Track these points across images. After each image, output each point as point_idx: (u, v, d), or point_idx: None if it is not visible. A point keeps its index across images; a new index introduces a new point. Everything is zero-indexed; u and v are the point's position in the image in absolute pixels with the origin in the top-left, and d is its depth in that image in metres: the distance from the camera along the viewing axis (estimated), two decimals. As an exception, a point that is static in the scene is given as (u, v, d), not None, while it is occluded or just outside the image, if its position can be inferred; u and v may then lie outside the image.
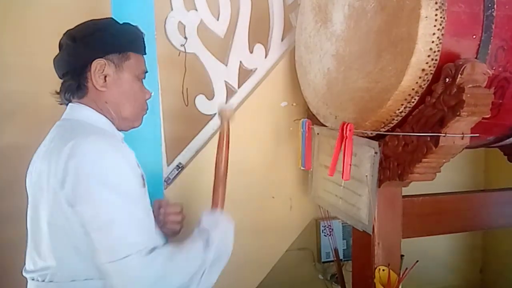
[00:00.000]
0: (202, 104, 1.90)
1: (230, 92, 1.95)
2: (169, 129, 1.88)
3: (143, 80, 1.31)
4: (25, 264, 1.21)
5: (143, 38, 1.29)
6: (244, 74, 1.98)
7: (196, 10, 1.86)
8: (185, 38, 1.84)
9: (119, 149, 1.13)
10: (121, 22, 1.26)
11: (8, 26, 1.96)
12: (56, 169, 1.06)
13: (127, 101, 1.24)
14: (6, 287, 1.93)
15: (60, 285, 1.12)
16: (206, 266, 1.19)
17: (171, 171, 1.85)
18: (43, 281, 1.13)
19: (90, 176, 1.05)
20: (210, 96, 1.92)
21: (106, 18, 1.26)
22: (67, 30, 1.21)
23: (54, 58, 1.22)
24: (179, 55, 1.85)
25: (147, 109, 1.33)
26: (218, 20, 1.91)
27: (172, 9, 1.82)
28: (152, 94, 1.34)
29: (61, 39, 1.22)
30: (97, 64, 1.17)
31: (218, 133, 1.45)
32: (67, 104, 1.24)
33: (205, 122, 1.93)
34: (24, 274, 1.20)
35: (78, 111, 1.21)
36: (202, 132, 1.93)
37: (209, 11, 1.89)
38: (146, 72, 1.30)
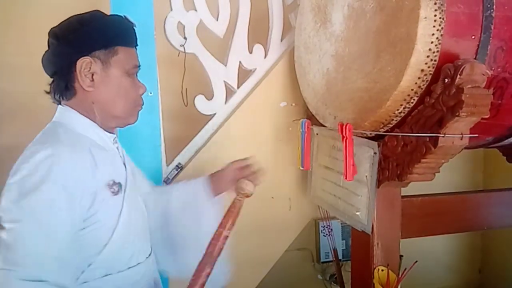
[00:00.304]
0: (201, 104, 1.90)
1: (229, 92, 1.96)
2: (169, 129, 1.88)
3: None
4: None
5: (134, 29, 1.23)
6: (243, 74, 1.98)
7: (196, 10, 1.86)
8: (185, 38, 1.84)
9: (76, 166, 1.08)
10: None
11: (8, 26, 1.96)
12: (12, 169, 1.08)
13: (117, 99, 1.19)
14: None
15: None
16: None
17: (171, 171, 1.85)
18: None
19: (20, 187, 1.03)
20: (210, 96, 1.92)
21: (92, 11, 1.19)
22: (52, 28, 1.17)
23: (42, 58, 1.19)
24: (178, 55, 1.85)
25: (143, 104, 1.27)
26: (217, 20, 1.91)
27: (171, 9, 1.82)
28: (147, 90, 1.27)
29: (48, 37, 1.18)
30: (83, 63, 1.13)
31: (230, 206, 1.32)
32: (58, 104, 1.22)
33: (205, 122, 1.93)
34: None
35: (63, 114, 1.19)
36: (201, 132, 1.93)
37: (209, 12, 1.89)
38: (139, 66, 1.25)
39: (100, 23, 1.17)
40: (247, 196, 1.32)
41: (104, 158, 1.17)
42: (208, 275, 1.19)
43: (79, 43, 1.14)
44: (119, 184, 1.19)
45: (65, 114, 1.19)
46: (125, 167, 1.27)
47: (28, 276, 0.98)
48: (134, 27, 1.24)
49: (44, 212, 1.02)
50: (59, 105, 1.21)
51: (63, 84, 1.16)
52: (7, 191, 1.05)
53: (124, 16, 1.23)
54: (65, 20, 1.18)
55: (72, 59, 1.13)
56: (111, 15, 1.22)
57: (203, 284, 1.19)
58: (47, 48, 1.20)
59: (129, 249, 1.21)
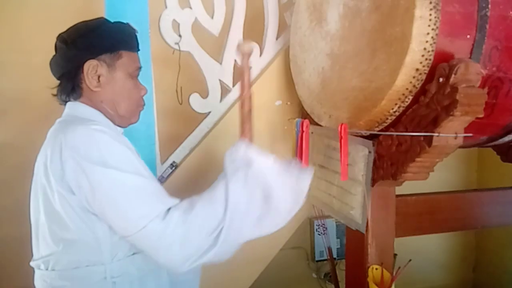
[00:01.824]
0: (196, 102, 1.90)
1: (224, 90, 1.95)
2: (163, 128, 1.88)
3: (139, 77, 1.32)
4: (32, 255, 1.25)
5: (136, 35, 1.30)
6: (238, 72, 1.97)
7: (191, 8, 1.86)
8: (179, 36, 1.84)
9: (113, 133, 1.14)
10: (112, 21, 1.27)
11: (2, 24, 1.94)
12: (53, 161, 1.10)
13: (121, 100, 1.26)
14: (7, 281, 1.92)
15: (62, 273, 1.15)
16: (229, 210, 1.11)
17: (165, 170, 1.85)
18: (46, 269, 1.17)
19: (85, 159, 1.07)
20: (204, 94, 1.91)
21: (97, 18, 1.28)
22: (60, 34, 1.24)
23: (50, 61, 1.25)
24: (173, 53, 1.85)
25: (144, 104, 1.35)
26: (212, 18, 1.90)
27: (166, 7, 1.81)
28: (147, 87, 1.35)
29: (55, 42, 1.24)
30: (90, 65, 1.20)
31: (241, 70, 1.40)
32: (65, 104, 1.27)
33: (199, 120, 1.93)
34: (31, 263, 1.24)
35: (76, 108, 1.24)
36: (196, 131, 1.92)
37: (204, 9, 1.88)
38: (140, 68, 1.32)
39: (105, 28, 1.25)
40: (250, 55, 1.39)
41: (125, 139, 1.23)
42: (251, 128, 1.32)
43: (87, 47, 1.21)
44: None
45: (78, 108, 1.24)
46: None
47: (159, 215, 1.07)
48: (136, 33, 1.31)
49: (125, 160, 1.11)
50: (68, 102, 1.26)
51: (71, 85, 1.23)
52: (82, 173, 1.07)
53: (127, 23, 1.31)
54: (73, 26, 1.24)
55: (80, 62, 1.21)
56: (115, 22, 1.28)
57: (251, 130, 1.32)
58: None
59: None
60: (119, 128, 1.31)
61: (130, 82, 1.27)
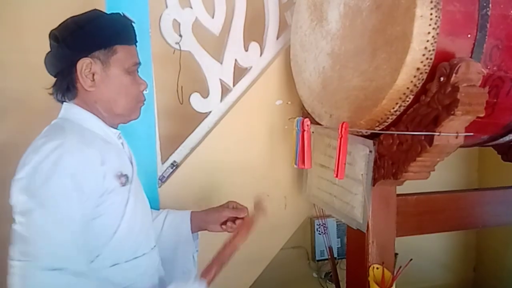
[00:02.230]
0: (197, 102, 1.89)
1: (225, 90, 1.95)
2: (164, 127, 1.88)
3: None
4: None
5: (132, 26, 1.24)
6: (239, 72, 1.97)
7: (191, 7, 1.85)
8: (180, 36, 1.83)
9: (85, 157, 1.10)
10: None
11: (2, 23, 1.94)
12: (19, 164, 1.09)
13: (118, 97, 1.22)
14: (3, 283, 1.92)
15: None
16: None
17: (166, 169, 1.85)
18: None
19: (28, 182, 1.05)
20: (205, 94, 1.91)
21: (89, 11, 1.20)
22: (51, 30, 1.19)
23: (45, 59, 1.21)
24: (173, 53, 1.84)
25: (145, 99, 1.30)
26: (213, 18, 1.90)
27: (167, 7, 1.81)
28: (148, 87, 1.32)
29: (49, 39, 1.20)
30: (83, 64, 1.15)
31: (245, 220, 1.47)
32: (62, 103, 1.24)
33: (200, 120, 1.92)
34: None
35: (69, 110, 1.21)
36: (196, 130, 1.92)
37: (204, 9, 1.88)
38: (139, 63, 1.27)
39: (97, 23, 1.18)
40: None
41: (111, 151, 1.19)
42: (216, 274, 1.27)
43: (78, 44, 1.16)
44: (126, 176, 1.21)
45: (71, 110, 1.21)
46: (131, 162, 1.30)
47: (48, 265, 1.00)
48: (133, 24, 1.25)
49: (56, 200, 1.04)
50: (64, 103, 1.23)
51: (65, 84, 1.19)
52: (17, 184, 1.06)
53: (123, 13, 1.24)
54: (63, 22, 1.19)
55: (72, 60, 1.16)
56: (109, 14, 1.22)
57: (215, 275, 1.26)
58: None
59: (135, 238, 1.24)
60: (114, 130, 1.27)
61: (126, 79, 1.21)
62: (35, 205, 1.03)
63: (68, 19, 1.19)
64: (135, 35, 1.25)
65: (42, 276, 1.00)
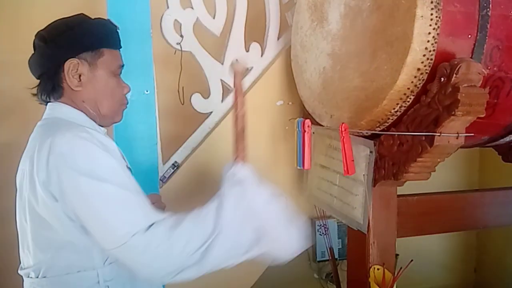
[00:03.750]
0: (198, 102, 1.90)
1: (226, 90, 1.95)
2: (165, 128, 1.88)
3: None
4: (20, 262, 1.22)
5: (117, 32, 1.27)
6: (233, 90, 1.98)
7: (192, 8, 1.86)
8: (181, 36, 1.84)
9: (99, 141, 1.11)
10: (94, 18, 1.24)
11: (3, 23, 1.95)
12: (39, 167, 1.07)
13: (104, 98, 1.23)
14: (2, 287, 1.92)
15: (54, 280, 1.13)
16: (217, 231, 1.09)
17: (167, 170, 1.85)
18: (37, 277, 1.14)
19: (72, 169, 1.04)
20: (206, 94, 1.91)
21: (77, 15, 1.23)
22: (39, 31, 1.20)
23: (29, 60, 1.22)
24: (175, 53, 1.85)
25: (127, 103, 1.31)
26: (214, 18, 1.91)
27: (168, 7, 1.81)
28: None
29: (34, 40, 1.21)
30: (70, 64, 1.16)
31: (234, 89, 1.39)
32: (46, 104, 1.24)
33: (201, 120, 1.93)
34: (19, 272, 1.21)
35: (57, 109, 1.21)
36: (198, 131, 1.92)
37: (205, 9, 1.89)
38: (123, 66, 1.28)
39: (86, 26, 1.21)
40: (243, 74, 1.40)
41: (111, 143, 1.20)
42: (244, 147, 1.27)
43: (67, 45, 1.17)
44: (130, 169, 1.23)
45: (60, 109, 1.21)
46: (123, 157, 1.29)
47: (142, 229, 1.04)
48: (118, 30, 1.28)
49: (109, 175, 1.07)
50: (49, 103, 1.23)
51: (51, 85, 1.19)
52: (66, 183, 1.05)
53: (108, 19, 1.28)
54: (51, 23, 1.21)
55: (59, 60, 1.17)
56: (95, 18, 1.24)
57: (244, 148, 1.26)
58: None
59: None
60: (102, 128, 1.27)
61: (112, 81, 1.24)
62: (95, 191, 1.05)
63: (56, 20, 1.21)
64: (120, 40, 1.28)
65: (146, 240, 1.03)
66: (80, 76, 1.18)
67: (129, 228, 1.04)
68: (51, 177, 1.05)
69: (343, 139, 1.41)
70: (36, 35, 1.20)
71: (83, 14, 1.24)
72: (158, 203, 1.43)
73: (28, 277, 1.17)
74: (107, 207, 1.05)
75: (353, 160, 1.44)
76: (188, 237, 1.07)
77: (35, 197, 1.09)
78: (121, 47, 1.29)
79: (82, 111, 1.21)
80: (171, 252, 1.05)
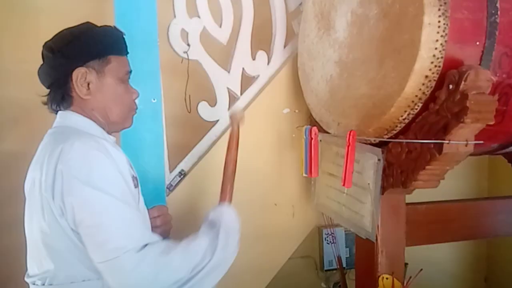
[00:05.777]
0: (204, 110, 1.90)
1: (232, 98, 1.95)
2: (172, 136, 1.88)
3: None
4: (27, 269, 1.23)
5: (123, 38, 1.28)
6: (246, 80, 1.98)
7: (199, 17, 1.87)
8: (188, 45, 1.85)
9: (107, 151, 1.12)
10: (99, 25, 1.25)
11: (9, 32, 1.97)
12: (47, 175, 1.08)
13: (113, 105, 1.24)
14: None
15: None
16: (206, 261, 1.16)
17: (174, 178, 1.85)
18: (43, 284, 1.14)
19: (76, 179, 1.05)
20: (213, 102, 1.92)
21: (83, 23, 1.24)
22: (46, 42, 1.22)
23: (38, 70, 1.23)
24: (181, 62, 1.85)
25: (137, 108, 1.33)
26: (220, 27, 1.91)
27: (175, 16, 1.82)
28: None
29: (42, 50, 1.22)
30: (78, 73, 1.17)
31: (229, 135, 1.53)
32: (56, 113, 1.25)
33: (208, 128, 1.93)
34: (26, 279, 1.21)
35: (67, 118, 1.22)
36: (204, 139, 1.92)
37: (212, 18, 1.90)
38: (131, 71, 1.29)
39: (92, 34, 1.22)
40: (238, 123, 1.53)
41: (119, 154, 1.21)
42: (232, 190, 1.43)
43: (74, 54, 1.18)
44: (136, 178, 1.24)
45: (70, 117, 1.22)
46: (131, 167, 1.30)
47: (136, 247, 1.06)
48: (124, 36, 1.28)
49: (112, 188, 1.08)
50: (59, 111, 1.24)
51: (60, 94, 1.21)
52: (69, 191, 1.06)
53: (114, 26, 1.29)
54: (58, 33, 1.22)
55: (68, 70, 1.18)
56: (102, 26, 1.25)
57: (231, 191, 1.42)
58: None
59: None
60: (111, 137, 1.28)
61: (120, 87, 1.25)
62: (95, 202, 1.06)
63: (62, 30, 1.22)
64: (126, 46, 1.29)
65: (136, 259, 1.05)
66: (88, 84, 1.19)
67: (124, 243, 1.05)
68: (56, 185, 1.06)
69: (348, 146, 1.41)
70: (43, 46, 1.21)
71: (89, 22, 1.25)
72: (165, 216, 1.43)
73: (34, 284, 1.17)
74: (105, 219, 1.06)
75: (352, 173, 1.44)
76: (175, 265, 1.11)
77: (42, 205, 1.10)
78: (128, 53, 1.29)
79: (91, 119, 1.22)
80: (157, 278, 1.08)
